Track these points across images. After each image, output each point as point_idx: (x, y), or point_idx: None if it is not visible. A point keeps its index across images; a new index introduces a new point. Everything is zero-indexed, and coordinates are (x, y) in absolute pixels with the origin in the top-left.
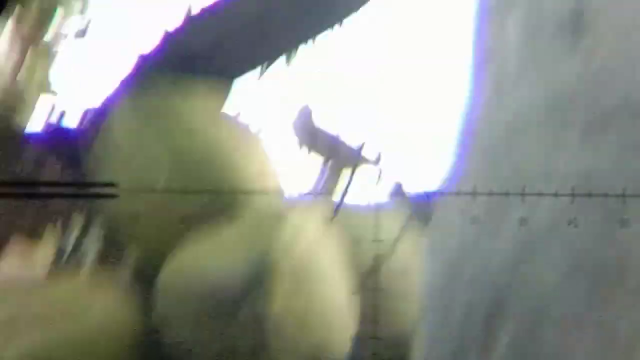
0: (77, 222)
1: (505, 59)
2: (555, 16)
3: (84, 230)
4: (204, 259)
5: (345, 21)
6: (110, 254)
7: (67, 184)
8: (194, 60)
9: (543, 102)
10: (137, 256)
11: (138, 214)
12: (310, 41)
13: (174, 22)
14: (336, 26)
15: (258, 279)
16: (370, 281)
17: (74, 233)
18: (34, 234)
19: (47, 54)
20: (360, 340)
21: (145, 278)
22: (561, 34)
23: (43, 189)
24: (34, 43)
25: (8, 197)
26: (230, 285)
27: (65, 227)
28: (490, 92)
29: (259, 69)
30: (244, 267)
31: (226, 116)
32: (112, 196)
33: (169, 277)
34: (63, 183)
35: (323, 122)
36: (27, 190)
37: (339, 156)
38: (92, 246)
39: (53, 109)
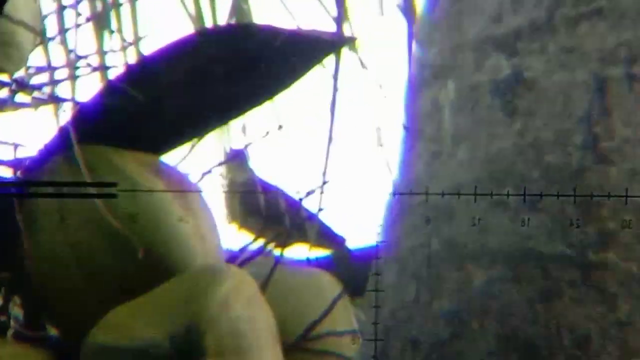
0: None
1: (439, 130)
2: (491, 85)
3: (7, 302)
4: (133, 320)
5: (278, 94)
6: (32, 326)
7: (64, 183)
8: (116, 133)
9: (479, 172)
10: (61, 327)
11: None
12: (241, 114)
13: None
14: (276, 94)
15: (190, 343)
16: (307, 343)
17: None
18: None
19: None
20: None
21: (72, 345)
22: (498, 101)
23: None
24: None
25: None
26: (161, 349)
27: None
28: (423, 163)
29: (188, 144)
30: (175, 330)
31: (161, 170)
32: (112, 196)
33: (96, 339)
34: (60, 183)
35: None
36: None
37: (277, 209)
38: (16, 318)
39: None
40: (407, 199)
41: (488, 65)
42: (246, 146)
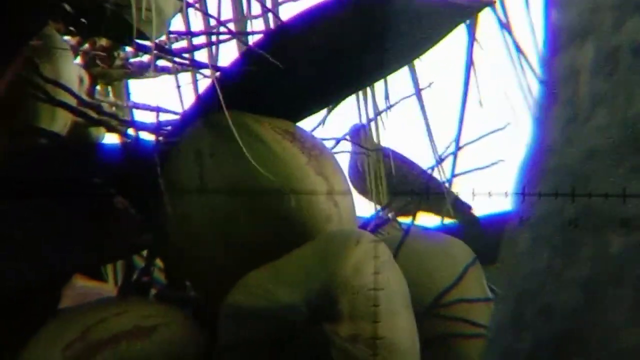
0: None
1: (576, 92)
2: (631, 46)
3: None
4: (270, 284)
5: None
6: (175, 289)
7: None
8: (253, 99)
9: (616, 137)
10: (200, 289)
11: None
12: (376, 81)
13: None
14: (410, 62)
15: (324, 305)
16: (439, 309)
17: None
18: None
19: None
20: None
21: (210, 307)
22: (638, 63)
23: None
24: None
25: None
26: (296, 311)
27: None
28: (560, 127)
29: (324, 111)
30: (312, 290)
31: (296, 136)
32: (113, 195)
33: (233, 303)
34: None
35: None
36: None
37: (405, 180)
38: (158, 280)
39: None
40: (541, 164)
41: (628, 26)
42: (376, 115)
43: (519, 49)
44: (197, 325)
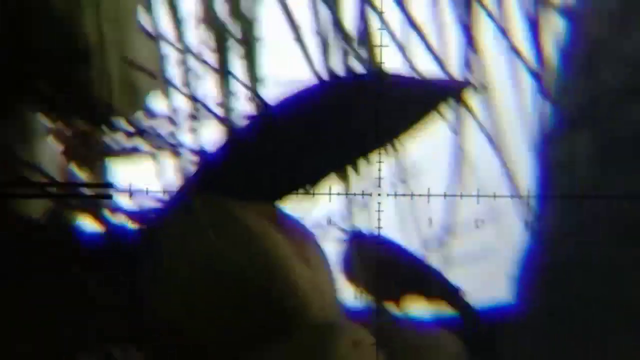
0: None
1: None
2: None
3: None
4: None
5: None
6: None
7: (61, 183)
8: (236, 182)
9: None
10: None
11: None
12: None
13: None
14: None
15: None
16: None
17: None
18: None
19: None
20: None
21: None
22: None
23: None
24: None
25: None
26: None
27: None
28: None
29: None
30: None
31: (280, 221)
32: (109, 197)
33: None
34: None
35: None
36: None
37: (396, 264)
38: None
39: None
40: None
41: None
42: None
43: None
44: None
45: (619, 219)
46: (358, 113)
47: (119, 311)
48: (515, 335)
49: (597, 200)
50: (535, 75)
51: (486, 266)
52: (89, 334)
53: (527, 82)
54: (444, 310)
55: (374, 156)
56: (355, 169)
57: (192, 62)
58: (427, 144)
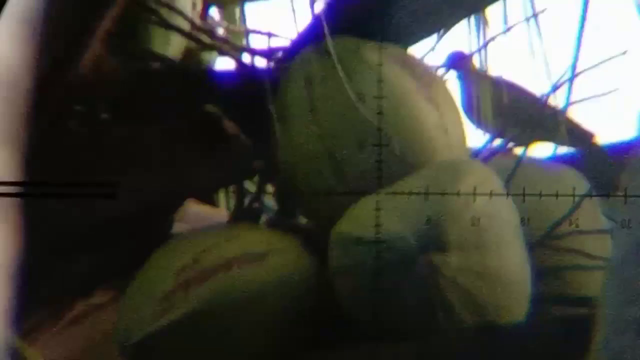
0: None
1: None
2: None
3: (261, 191)
4: (378, 213)
5: None
6: (286, 216)
7: (63, 184)
8: (365, 24)
9: None
10: (310, 216)
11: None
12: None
13: None
14: None
15: (433, 235)
16: (551, 241)
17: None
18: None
19: None
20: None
21: (320, 234)
22: None
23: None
24: None
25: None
26: (405, 240)
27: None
28: None
29: (434, 35)
30: (420, 220)
31: (408, 63)
32: (111, 196)
33: (343, 230)
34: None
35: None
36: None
37: (519, 108)
38: (269, 207)
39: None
40: None
41: None
42: (487, 41)
43: None
44: (308, 252)
45: None
46: None
47: (251, 147)
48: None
49: None
50: None
51: (612, 103)
52: (222, 167)
53: None
54: (568, 148)
55: None
56: None
57: None
58: None
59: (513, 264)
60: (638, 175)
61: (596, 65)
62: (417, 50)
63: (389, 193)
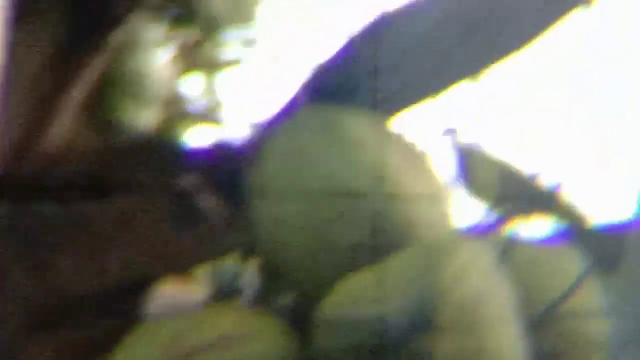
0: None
1: None
2: None
3: (241, 268)
4: (367, 292)
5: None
6: (267, 293)
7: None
8: (352, 91)
9: None
10: (295, 294)
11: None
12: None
13: (332, 48)
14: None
15: (424, 316)
16: (545, 326)
17: (231, 269)
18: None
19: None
20: None
21: (304, 313)
22: None
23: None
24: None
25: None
26: (394, 321)
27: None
28: None
29: (423, 102)
30: (408, 303)
31: (392, 134)
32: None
33: (329, 310)
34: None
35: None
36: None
37: (512, 181)
38: (250, 284)
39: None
40: None
41: None
42: (473, 113)
43: None
44: (291, 333)
45: None
46: (481, 20)
47: (231, 223)
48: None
49: None
50: None
51: (610, 182)
52: (200, 244)
53: None
54: (564, 225)
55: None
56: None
57: None
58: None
59: (509, 347)
60: (636, 257)
61: (589, 141)
62: (405, 120)
63: (378, 271)
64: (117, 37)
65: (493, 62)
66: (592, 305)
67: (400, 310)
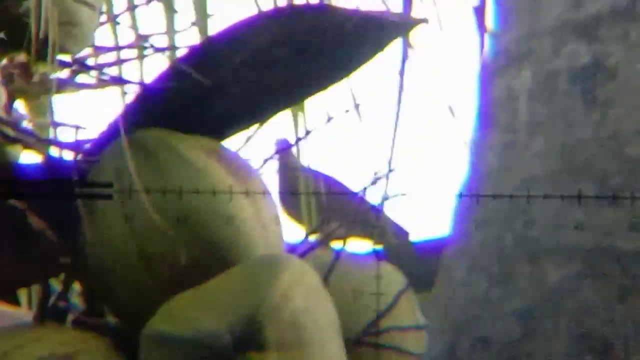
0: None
1: (514, 119)
2: (569, 72)
3: (68, 288)
4: (191, 310)
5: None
6: (94, 313)
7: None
8: (178, 117)
9: (555, 165)
10: (120, 315)
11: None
12: (305, 98)
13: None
14: (341, 79)
15: (251, 334)
16: (370, 337)
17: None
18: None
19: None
20: None
21: (130, 333)
22: (576, 90)
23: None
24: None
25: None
26: (220, 339)
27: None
28: (496, 154)
29: (252, 126)
30: (237, 317)
31: (222, 156)
32: (109, 197)
33: (153, 329)
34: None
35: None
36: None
37: (336, 202)
38: (76, 304)
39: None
40: (478, 191)
41: (566, 52)
42: (303, 135)
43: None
44: (117, 353)
45: None
46: (310, 48)
47: (58, 244)
48: (454, 267)
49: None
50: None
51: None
52: (26, 265)
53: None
54: (383, 244)
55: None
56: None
57: None
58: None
59: None
60: (443, 272)
61: (412, 160)
62: (234, 142)
63: (204, 289)
64: None
65: (320, 88)
66: (411, 321)
67: (227, 329)
